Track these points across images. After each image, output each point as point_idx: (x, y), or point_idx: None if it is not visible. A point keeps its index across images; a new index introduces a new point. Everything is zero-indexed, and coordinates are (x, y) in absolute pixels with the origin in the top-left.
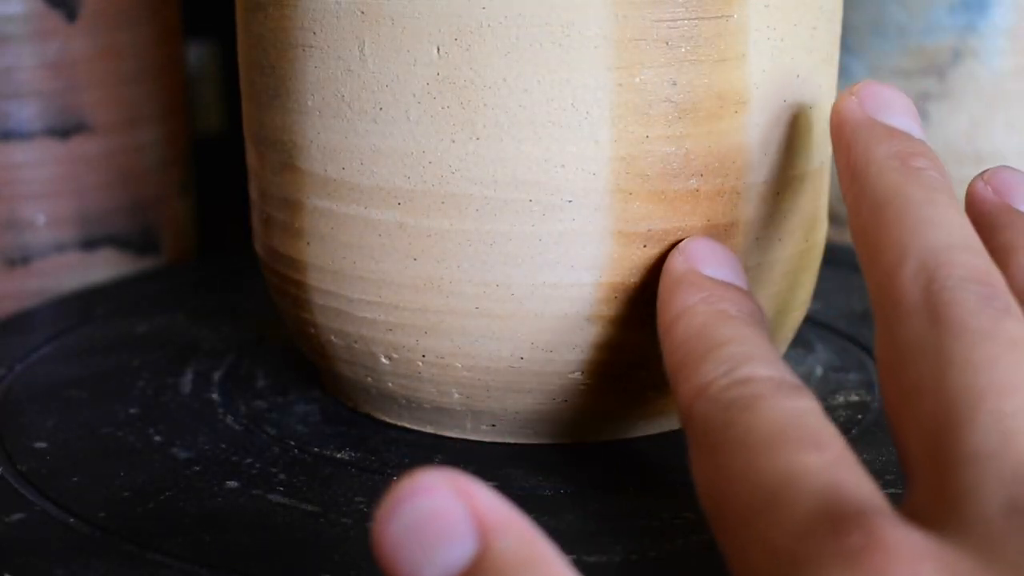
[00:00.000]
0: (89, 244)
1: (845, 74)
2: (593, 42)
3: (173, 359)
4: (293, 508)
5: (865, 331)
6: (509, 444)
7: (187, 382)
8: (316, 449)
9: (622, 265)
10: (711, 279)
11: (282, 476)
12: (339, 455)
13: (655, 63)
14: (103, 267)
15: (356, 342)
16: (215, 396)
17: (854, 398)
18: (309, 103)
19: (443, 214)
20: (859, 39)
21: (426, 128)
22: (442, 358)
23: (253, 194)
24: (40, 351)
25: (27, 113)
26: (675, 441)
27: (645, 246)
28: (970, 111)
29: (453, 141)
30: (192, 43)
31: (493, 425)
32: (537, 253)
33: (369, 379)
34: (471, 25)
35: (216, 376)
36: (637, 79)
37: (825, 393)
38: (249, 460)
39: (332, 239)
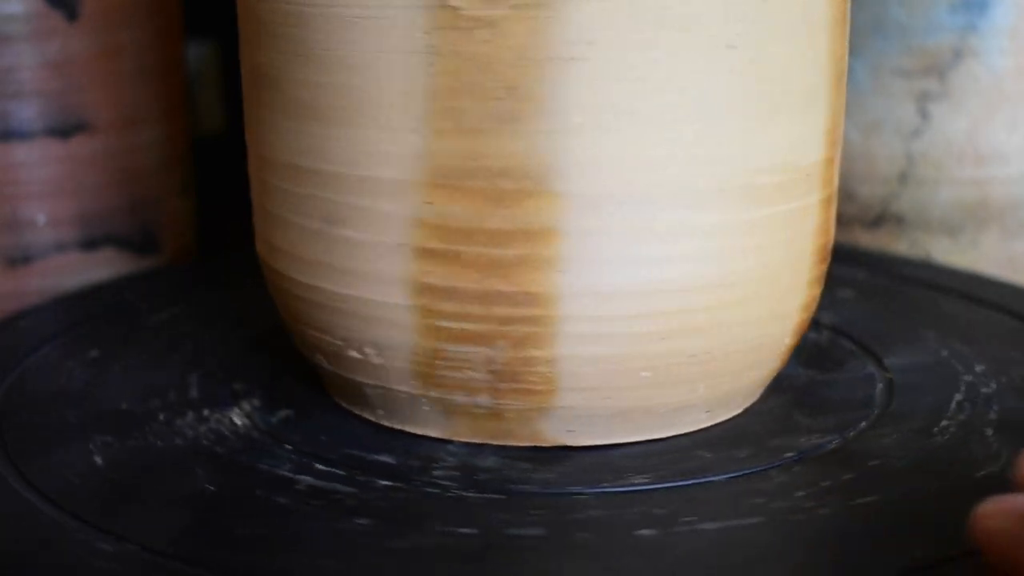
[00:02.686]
0: (89, 244)
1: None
2: None
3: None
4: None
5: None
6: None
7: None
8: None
9: None
10: None
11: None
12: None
13: None
14: (103, 267)
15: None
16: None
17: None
18: (576, 120)
19: None
20: (860, 39)
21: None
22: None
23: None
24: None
25: (28, 113)
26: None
27: None
28: (971, 110)
29: None
30: (192, 43)
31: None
32: None
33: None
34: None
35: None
36: None
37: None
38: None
39: None
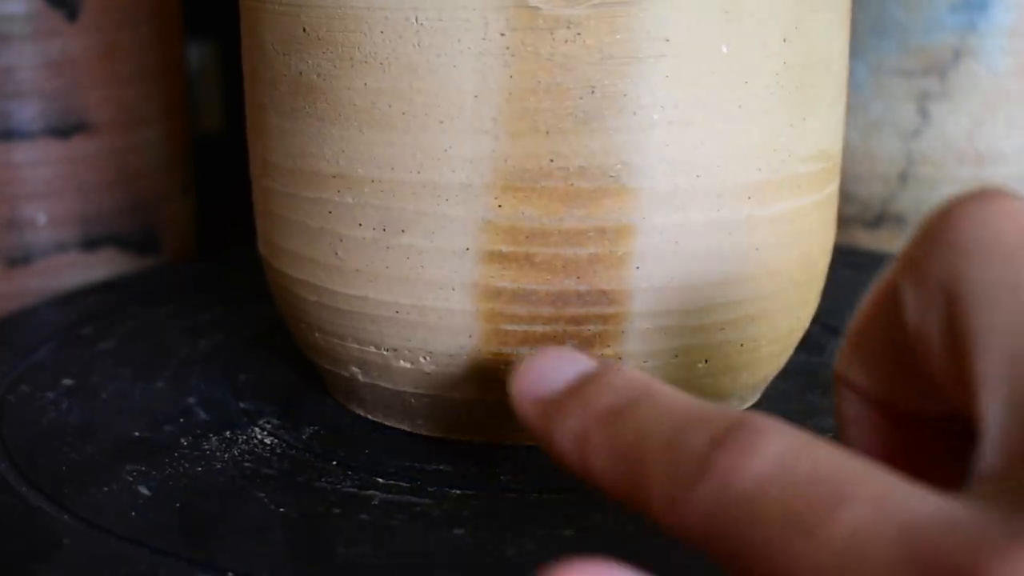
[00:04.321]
0: (90, 244)
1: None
2: None
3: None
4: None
5: None
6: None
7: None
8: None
9: None
10: (562, 393)
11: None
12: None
13: None
14: (104, 266)
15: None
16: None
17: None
18: (655, 116)
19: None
20: (860, 39)
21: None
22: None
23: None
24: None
25: (28, 113)
26: None
27: None
28: (970, 110)
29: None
30: (192, 43)
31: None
32: None
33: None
34: None
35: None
36: None
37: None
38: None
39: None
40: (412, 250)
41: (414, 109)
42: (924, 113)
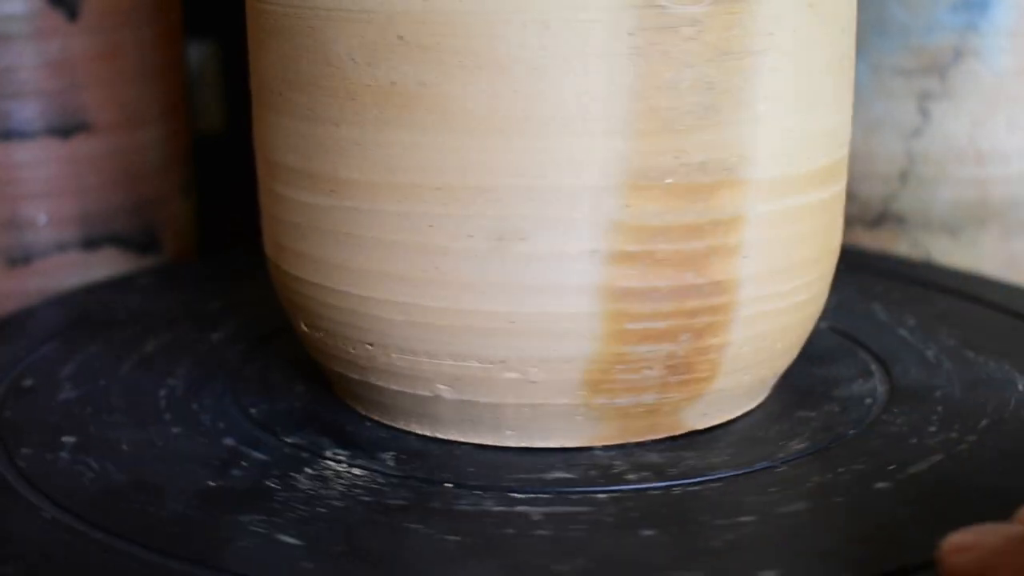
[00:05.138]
0: (90, 243)
1: None
2: None
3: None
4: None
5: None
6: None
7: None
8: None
9: None
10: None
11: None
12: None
13: None
14: (104, 266)
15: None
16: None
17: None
18: (761, 108)
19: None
20: (861, 39)
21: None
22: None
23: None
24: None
25: (28, 112)
26: None
27: None
28: (971, 110)
29: None
30: (192, 43)
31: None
32: None
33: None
34: None
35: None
36: None
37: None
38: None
39: None
40: (532, 257)
41: (538, 113)
42: (924, 112)
